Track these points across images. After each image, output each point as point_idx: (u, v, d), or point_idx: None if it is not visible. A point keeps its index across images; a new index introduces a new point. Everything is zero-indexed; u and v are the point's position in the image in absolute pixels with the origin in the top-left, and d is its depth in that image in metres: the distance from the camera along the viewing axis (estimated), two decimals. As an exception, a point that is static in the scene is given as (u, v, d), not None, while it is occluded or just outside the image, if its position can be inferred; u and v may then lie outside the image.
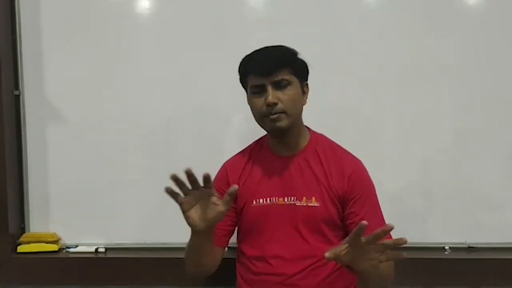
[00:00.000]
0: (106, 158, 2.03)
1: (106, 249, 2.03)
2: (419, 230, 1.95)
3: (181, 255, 1.93)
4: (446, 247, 1.94)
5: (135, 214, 2.03)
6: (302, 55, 1.54)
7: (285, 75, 1.49)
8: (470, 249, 1.94)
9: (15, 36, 2.02)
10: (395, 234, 1.55)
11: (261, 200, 1.56)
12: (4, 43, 2.00)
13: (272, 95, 1.46)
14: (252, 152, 1.64)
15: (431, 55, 1.93)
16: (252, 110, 1.55)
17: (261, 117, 1.51)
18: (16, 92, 2.03)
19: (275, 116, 1.48)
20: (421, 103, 1.94)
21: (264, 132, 1.61)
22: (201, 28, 1.98)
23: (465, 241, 1.94)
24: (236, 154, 1.68)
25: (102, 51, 2.02)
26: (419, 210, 1.96)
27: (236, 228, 1.65)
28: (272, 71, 1.47)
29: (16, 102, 2.04)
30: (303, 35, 1.89)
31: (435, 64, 1.93)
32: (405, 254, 1.25)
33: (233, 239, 1.67)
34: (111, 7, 2.02)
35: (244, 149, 1.68)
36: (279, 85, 1.48)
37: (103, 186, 2.03)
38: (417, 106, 1.95)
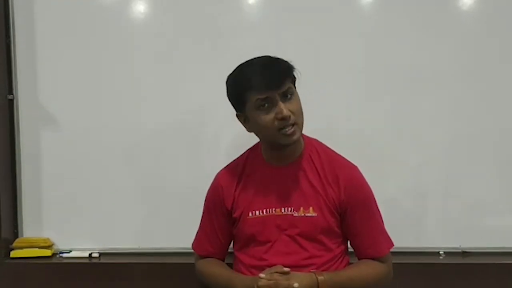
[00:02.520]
0: (100, 163, 2.02)
1: (100, 254, 2.02)
2: (413, 234, 1.95)
3: (175, 260, 1.95)
4: (441, 252, 1.94)
5: (129, 219, 2.02)
6: (293, 61, 1.48)
7: (289, 85, 1.44)
8: (465, 254, 1.93)
9: (9, 41, 2.01)
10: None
11: (257, 212, 1.53)
12: (-2, 48, 2.00)
13: (284, 108, 1.40)
14: (247, 162, 1.60)
15: (425, 61, 1.93)
16: (258, 127, 1.46)
17: (273, 132, 1.43)
18: (10, 97, 2.03)
19: (291, 130, 1.42)
20: (416, 107, 1.94)
21: (257, 140, 1.59)
22: (196, 34, 1.97)
23: (460, 245, 1.94)
24: (230, 164, 1.64)
25: (96, 56, 2.01)
26: (414, 214, 1.96)
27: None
28: (279, 83, 1.41)
29: (10, 106, 2.03)
30: (297, 40, 1.90)
31: (430, 69, 1.93)
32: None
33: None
34: (106, 12, 2.01)
35: (237, 158, 1.63)
36: (286, 96, 1.43)
37: (97, 191, 2.02)
38: (412, 110, 1.94)
